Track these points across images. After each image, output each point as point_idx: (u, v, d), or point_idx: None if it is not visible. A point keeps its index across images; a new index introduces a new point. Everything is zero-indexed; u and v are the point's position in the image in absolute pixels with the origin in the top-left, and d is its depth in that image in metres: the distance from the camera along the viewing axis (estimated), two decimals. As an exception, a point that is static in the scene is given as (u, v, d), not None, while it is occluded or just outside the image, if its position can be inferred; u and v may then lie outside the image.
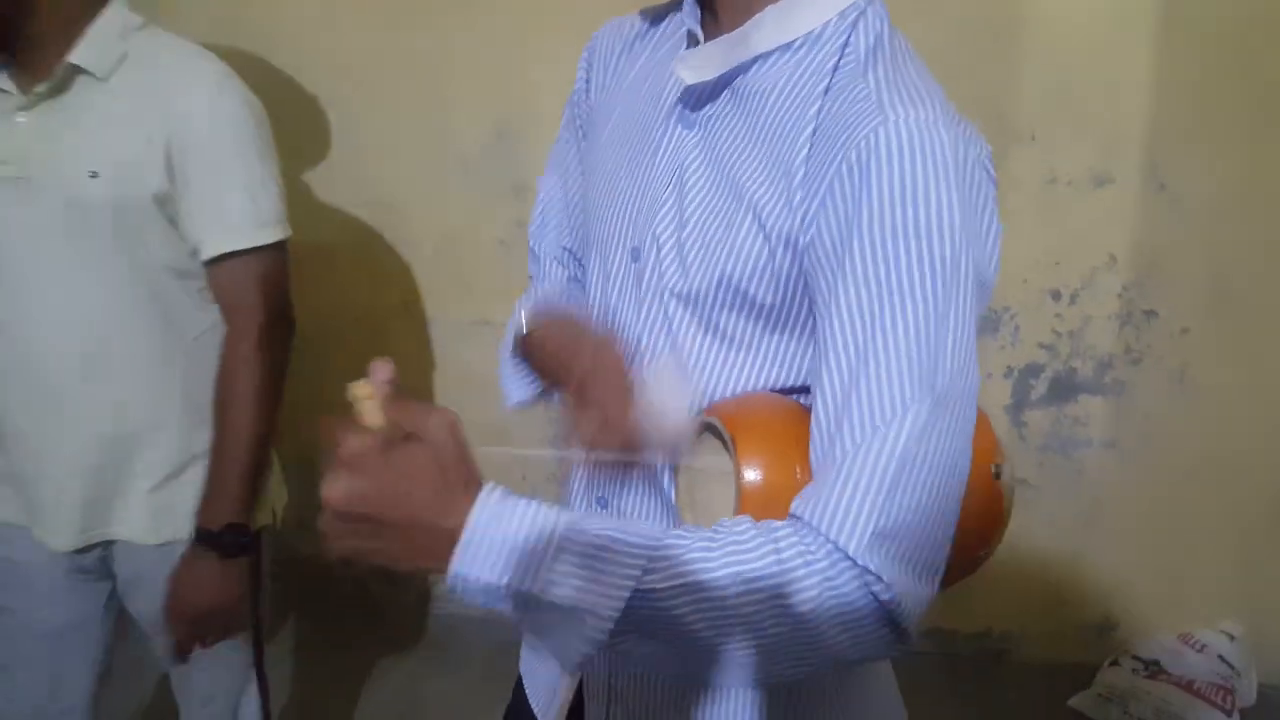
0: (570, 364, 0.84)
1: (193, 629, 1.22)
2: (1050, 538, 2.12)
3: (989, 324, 2.01)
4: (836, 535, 0.64)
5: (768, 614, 0.63)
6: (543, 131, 2.01)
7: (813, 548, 0.64)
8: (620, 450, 0.79)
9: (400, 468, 0.60)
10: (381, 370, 0.61)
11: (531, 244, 1.05)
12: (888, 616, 0.65)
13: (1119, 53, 1.82)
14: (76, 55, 1.11)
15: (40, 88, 1.12)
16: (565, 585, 0.61)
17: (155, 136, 1.14)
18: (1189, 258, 1.93)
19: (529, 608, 0.62)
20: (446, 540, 0.60)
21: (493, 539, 0.61)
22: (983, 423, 0.76)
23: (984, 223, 0.70)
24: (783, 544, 0.64)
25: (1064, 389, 2.05)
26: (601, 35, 0.94)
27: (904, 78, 0.71)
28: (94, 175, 1.12)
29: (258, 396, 1.21)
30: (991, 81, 1.86)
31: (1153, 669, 2.06)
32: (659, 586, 0.62)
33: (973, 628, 2.24)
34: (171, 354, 1.23)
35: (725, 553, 0.64)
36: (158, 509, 1.25)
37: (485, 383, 2.00)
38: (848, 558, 0.64)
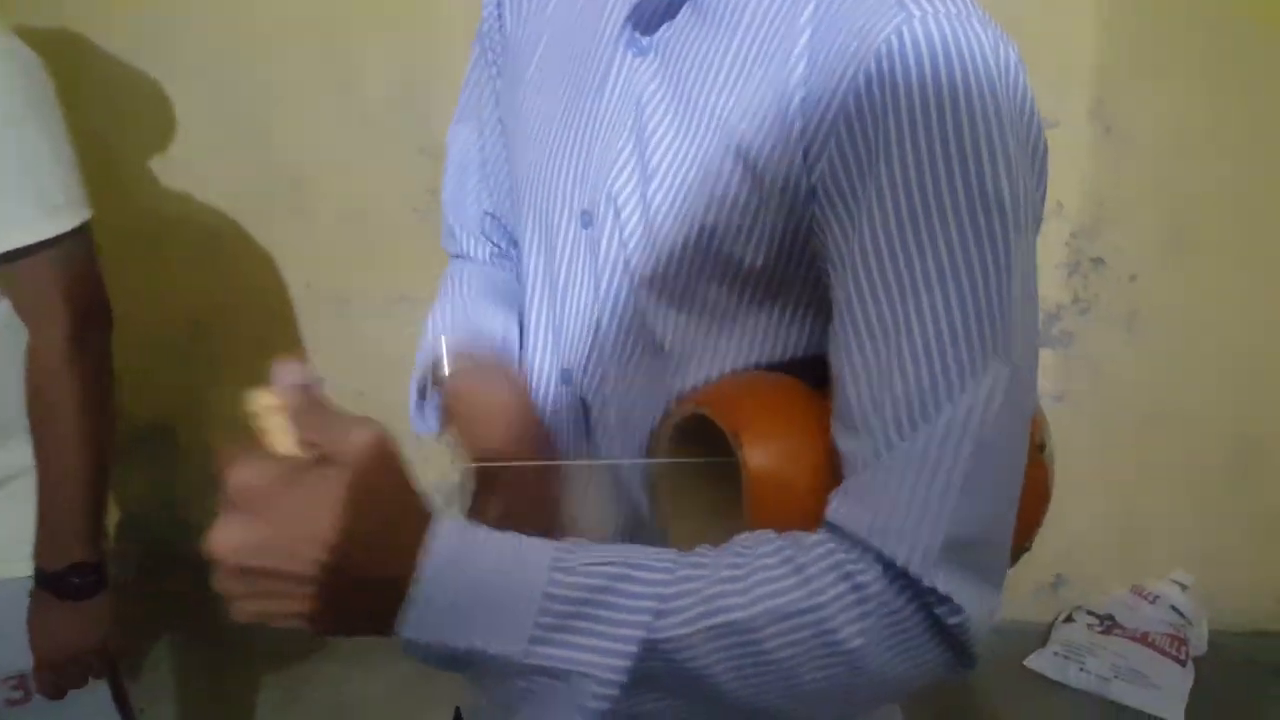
0: (480, 440, 0.70)
1: (57, 678, 1.10)
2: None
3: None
4: (894, 550, 0.51)
5: (812, 656, 0.51)
6: (452, 86, 1.87)
7: (863, 568, 0.52)
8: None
9: (310, 502, 0.45)
10: (289, 372, 0.47)
11: (446, 214, 0.88)
12: (953, 641, 0.53)
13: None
14: None
15: None
16: (555, 644, 0.48)
17: None
18: (1138, 202, 1.90)
19: (509, 675, 0.49)
20: (388, 596, 0.47)
21: (454, 591, 0.48)
22: None
23: (1033, 139, 0.56)
24: (825, 565, 0.52)
25: (1011, 342, 2.00)
26: None
27: None
28: None
29: (79, 415, 1.05)
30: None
31: (1107, 623, 2.06)
32: (677, 634, 0.50)
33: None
34: None
35: (755, 583, 0.51)
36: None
37: (402, 367, 1.85)
38: (907, 576, 0.51)
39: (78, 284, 1.06)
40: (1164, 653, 1.97)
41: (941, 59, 0.52)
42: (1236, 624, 2.11)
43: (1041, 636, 2.07)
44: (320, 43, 1.90)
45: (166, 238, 2.02)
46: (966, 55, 0.52)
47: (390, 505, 0.48)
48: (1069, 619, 2.08)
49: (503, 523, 0.55)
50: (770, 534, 0.54)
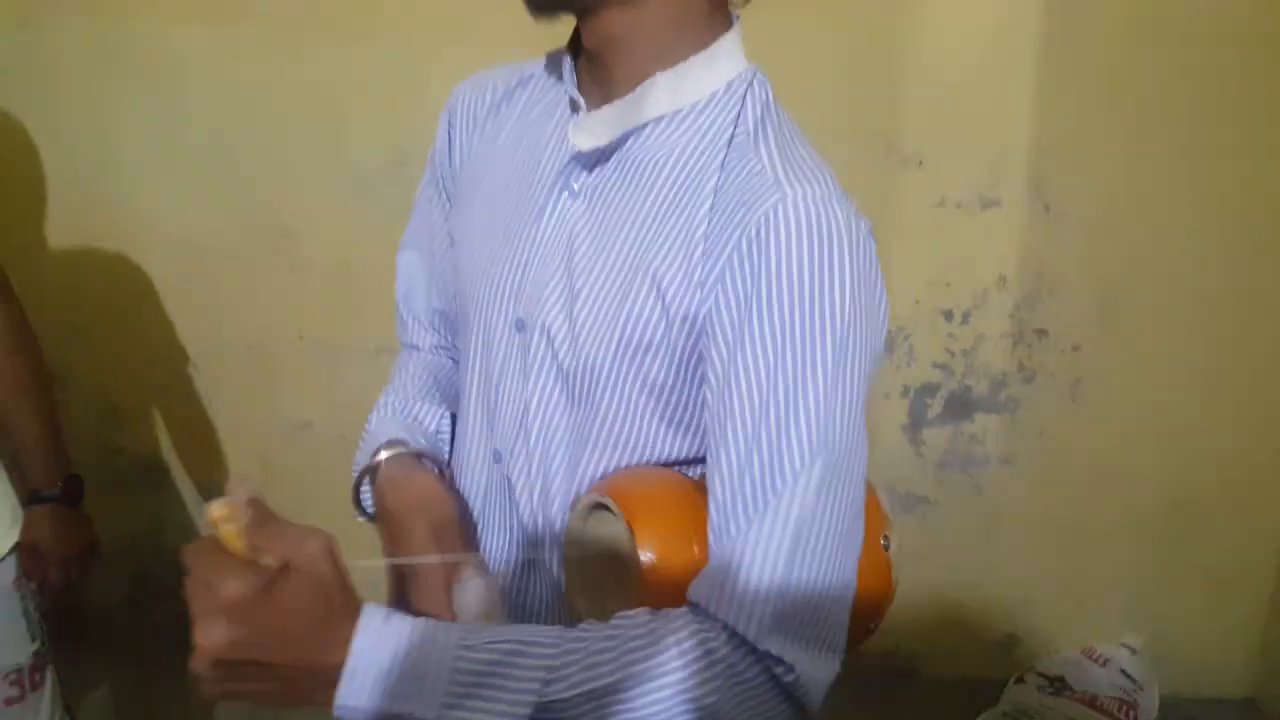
0: (401, 535, 0.80)
1: (66, 574, 1.41)
2: (952, 554, 2.13)
3: (884, 344, 2.02)
4: (735, 621, 0.63)
5: (675, 713, 0.62)
6: None
7: (712, 636, 0.63)
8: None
9: (280, 607, 0.56)
10: (242, 489, 0.58)
11: (399, 310, 1.03)
12: (792, 698, 0.65)
13: (1001, 76, 1.86)
14: None
15: None
16: (462, 708, 0.59)
17: None
18: (1077, 276, 1.97)
19: None
20: (332, 673, 0.58)
21: (378, 665, 0.59)
22: (871, 495, 0.77)
23: (876, 294, 0.71)
24: (683, 635, 0.63)
25: (960, 407, 2.07)
26: (462, 92, 0.91)
27: (795, 153, 0.72)
28: None
29: (30, 375, 1.42)
30: (878, 107, 1.89)
31: (1057, 685, 2.06)
32: (564, 696, 0.61)
33: (881, 645, 2.23)
34: None
35: (625, 651, 0.63)
36: None
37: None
38: (747, 643, 0.63)
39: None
40: (1113, 717, 1.98)
41: (805, 231, 0.67)
42: (1187, 690, 2.14)
43: (994, 695, 2.09)
44: (317, 109, 2.00)
45: (166, 285, 2.12)
46: (825, 228, 0.67)
47: (336, 602, 0.59)
48: (1020, 680, 2.09)
49: (420, 608, 0.70)
50: (644, 611, 0.66)
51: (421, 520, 0.80)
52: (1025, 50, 1.85)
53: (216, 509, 0.57)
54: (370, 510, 0.89)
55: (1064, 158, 1.91)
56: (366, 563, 0.65)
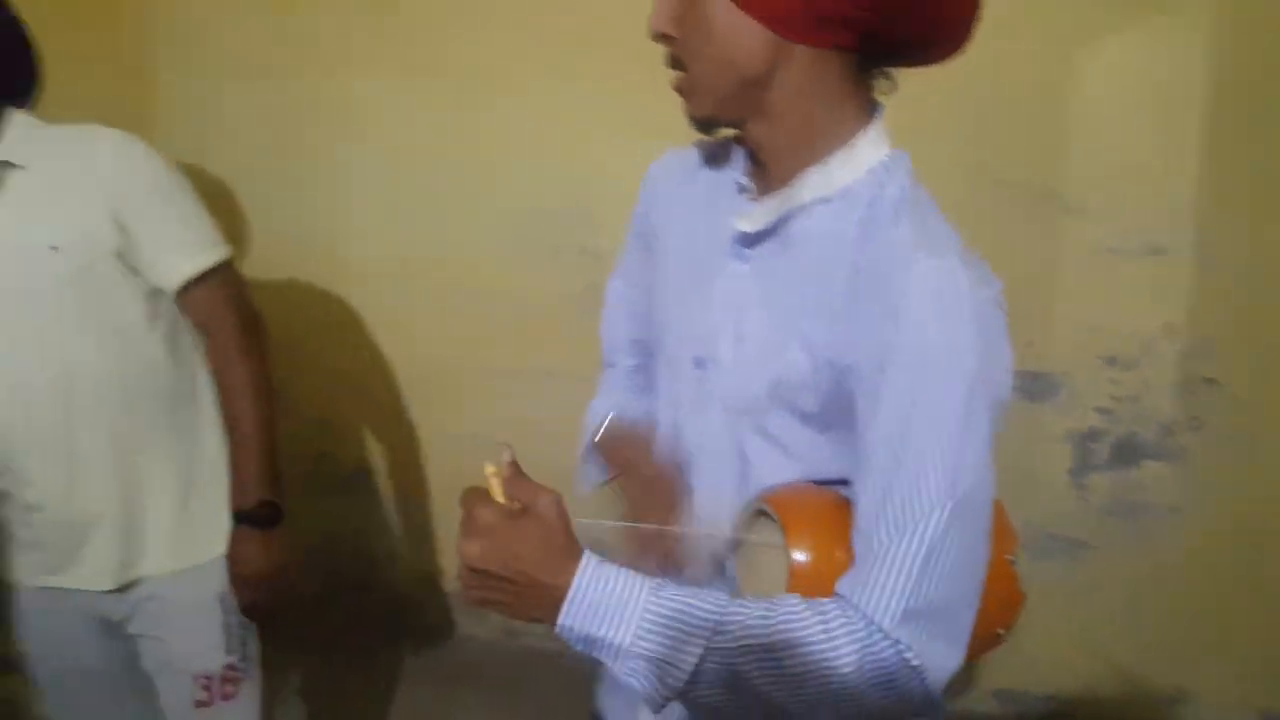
0: (631, 471, 0.99)
1: (254, 595, 1.39)
2: (1113, 601, 2.10)
3: (1046, 390, 2.03)
4: (873, 612, 0.76)
5: (817, 672, 0.76)
6: (614, 201, 2.14)
7: (854, 620, 0.77)
8: (670, 554, 0.94)
9: (521, 536, 0.76)
10: (505, 453, 0.79)
11: (604, 337, 1.21)
12: (917, 677, 0.76)
13: (1166, 124, 1.85)
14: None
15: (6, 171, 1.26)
16: (649, 640, 0.75)
17: (93, 200, 1.26)
18: (1247, 325, 1.92)
19: (619, 656, 0.76)
20: (555, 597, 0.76)
21: (592, 598, 0.76)
22: (1001, 516, 0.87)
23: (997, 350, 0.81)
24: (830, 616, 0.77)
25: (1126, 454, 2.05)
26: (657, 169, 1.08)
27: (928, 228, 0.82)
28: (54, 249, 1.25)
29: (254, 386, 1.38)
30: (1042, 155, 1.91)
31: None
32: (725, 646, 0.76)
33: (1042, 689, 2.23)
34: (158, 396, 1.36)
35: (780, 621, 0.77)
36: (174, 539, 1.38)
37: (548, 431, 2.15)
38: (881, 630, 0.76)
39: (238, 297, 1.40)
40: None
41: (932, 298, 0.78)
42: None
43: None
44: (504, 155, 2.20)
45: (374, 311, 2.40)
46: (950, 295, 0.78)
47: (561, 542, 0.77)
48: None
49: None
50: (797, 595, 0.80)
51: (646, 448, 1.00)
52: (1191, 98, 1.83)
53: (489, 466, 0.79)
54: (598, 474, 1.11)
55: (1233, 207, 1.87)
56: (587, 520, 0.83)
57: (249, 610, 1.41)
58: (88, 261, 1.27)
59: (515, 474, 0.79)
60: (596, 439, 1.07)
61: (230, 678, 1.43)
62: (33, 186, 1.27)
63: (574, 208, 2.20)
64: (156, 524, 1.37)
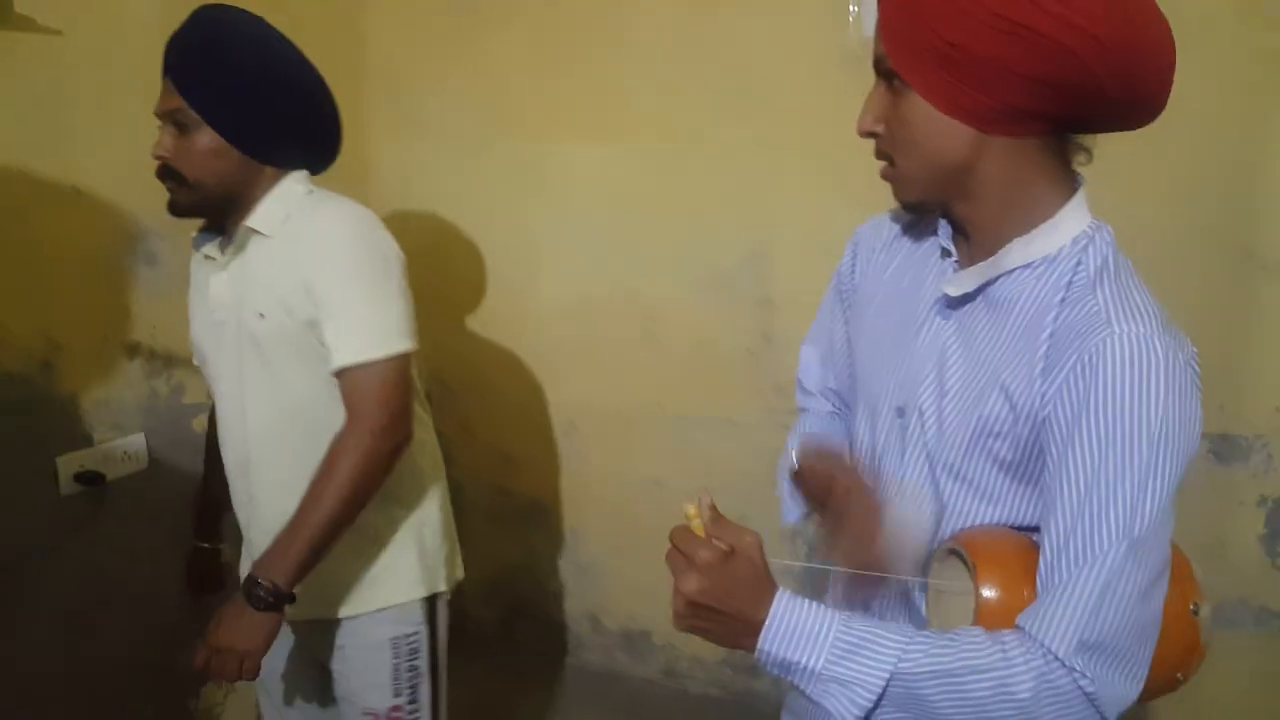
0: (830, 493, 1.06)
1: (215, 659, 1.33)
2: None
3: (1237, 453, 1.96)
4: (1050, 641, 0.82)
5: (996, 698, 0.82)
6: (790, 255, 2.24)
7: (1033, 650, 0.83)
8: (868, 566, 0.99)
9: (731, 574, 0.86)
10: (705, 499, 0.89)
11: (801, 379, 1.29)
12: (1093, 706, 0.82)
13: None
14: (253, 220, 1.41)
15: (230, 249, 1.43)
16: (840, 665, 0.84)
17: (299, 274, 1.37)
18: None
19: (812, 679, 0.85)
20: (755, 627, 0.86)
21: (788, 627, 0.86)
22: (1184, 567, 0.93)
23: (1189, 411, 0.85)
24: (1009, 646, 0.84)
25: (1323, 522, 1.94)
26: (864, 230, 1.16)
27: (1128, 296, 0.88)
28: (261, 316, 1.39)
29: (350, 485, 1.34)
30: (1238, 216, 1.87)
31: None
32: (911, 671, 0.83)
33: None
34: None
35: (962, 650, 0.84)
36: (360, 584, 1.50)
37: (728, 475, 2.23)
38: (1058, 659, 0.82)
39: (388, 397, 1.36)
40: None
41: (1128, 361, 0.84)
42: None
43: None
44: (684, 212, 2.32)
45: (555, 357, 2.56)
46: (1145, 360, 0.83)
47: (762, 579, 0.86)
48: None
49: (855, 549, 0.98)
50: (979, 629, 0.87)
51: (846, 470, 1.06)
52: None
53: (690, 508, 0.88)
54: (795, 517, 1.19)
55: None
56: (778, 561, 0.91)
57: (203, 669, 1.34)
58: (290, 326, 1.39)
59: (716, 516, 0.88)
60: (796, 463, 1.13)
61: (395, 713, 1.53)
62: (265, 253, 1.41)
63: (752, 261, 2.29)
64: (348, 567, 1.48)
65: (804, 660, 0.84)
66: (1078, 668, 0.81)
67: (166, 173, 1.41)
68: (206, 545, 1.83)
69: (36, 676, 1.86)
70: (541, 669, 2.68)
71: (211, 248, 1.48)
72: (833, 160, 2.09)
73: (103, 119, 1.88)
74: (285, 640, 1.57)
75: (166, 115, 1.39)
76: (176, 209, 1.44)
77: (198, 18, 1.41)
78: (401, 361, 1.39)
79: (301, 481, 1.36)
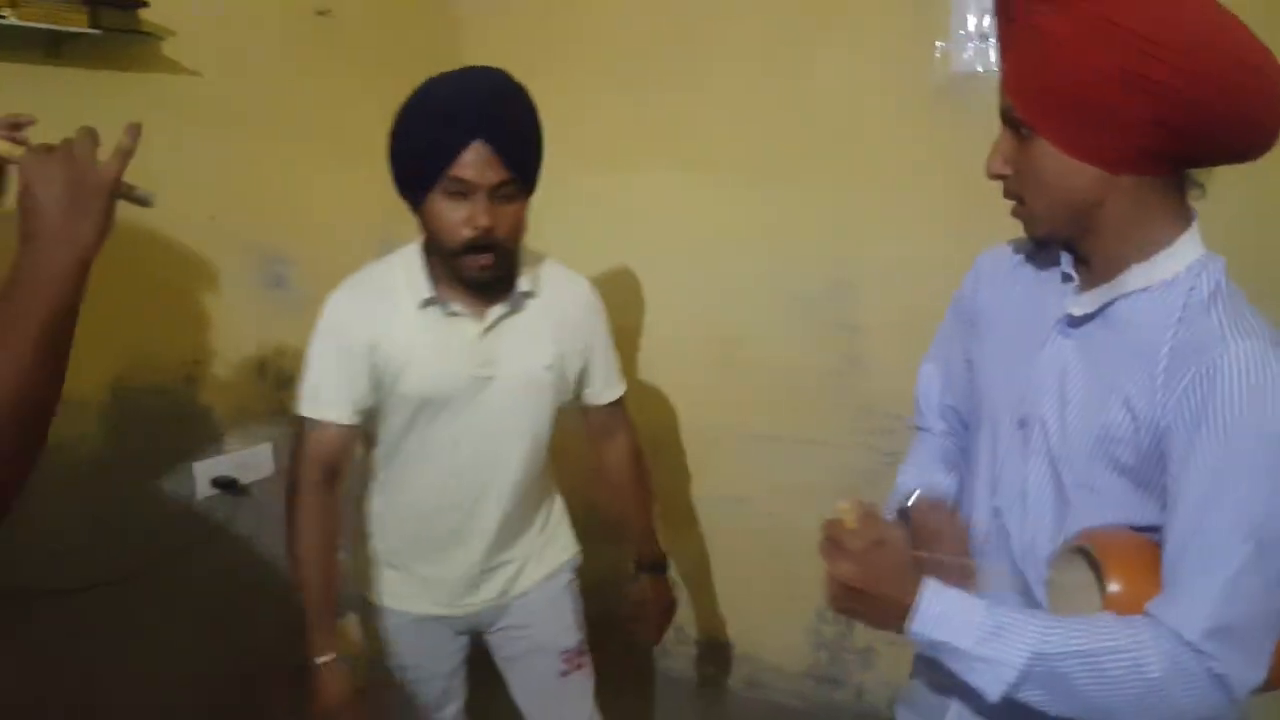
0: (933, 544, 1.16)
1: (654, 625, 1.91)
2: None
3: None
4: (1179, 627, 0.91)
5: (1130, 676, 0.91)
6: (873, 281, 2.32)
7: (1162, 634, 0.92)
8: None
9: (881, 562, 0.99)
10: (855, 500, 1.02)
11: (919, 398, 1.38)
12: (1222, 686, 0.91)
13: None
14: (522, 284, 1.58)
15: (501, 310, 1.57)
16: (986, 645, 0.95)
17: (576, 334, 1.67)
18: None
19: (961, 658, 0.96)
20: (903, 610, 0.98)
21: (938, 611, 0.97)
22: None
23: None
24: (1140, 630, 0.93)
25: None
26: (985, 258, 1.26)
27: (1241, 317, 0.96)
28: (548, 367, 1.62)
29: (643, 480, 1.91)
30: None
31: None
32: (1051, 651, 0.93)
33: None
34: (545, 451, 1.73)
35: (1098, 632, 0.94)
36: (539, 556, 1.77)
37: (810, 494, 2.30)
38: (1187, 643, 0.90)
39: (627, 416, 1.85)
40: None
41: (1243, 374, 0.92)
42: None
43: None
44: (769, 241, 2.43)
45: (660, 383, 2.66)
46: (1260, 373, 0.92)
47: (905, 565, 1.00)
48: None
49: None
50: (1110, 614, 0.96)
51: (950, 534, 1.18)
52: None
53: (843, 504, 1.02)
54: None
55: None
56: (921, 553, 1.03)
57: (653, 635, 1.91)
58: (563, 376, 1.66)
59: (866, 512, 1.01)
60: (909, 509, 1.24)
61: (581, 649, 1.82)
62: (539, 311, 1.63)
63: (837, 288, 2.38)
64: (530, 550, 1.76)
65: (953, 641, 0.95)
66: (1207, 651, 0.89)
67: (485, 244, 1.46)
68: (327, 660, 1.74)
69: (172, 666, 2.03)
70: (627, 675, 2.77)
71: (460, 306, 1.56)
72: (917, 191, 2.18)
73: (231, 154, 2.06)
74: (438, 634, 1.74)
75: (495, 189, 1.44)
76: (492, 271, 1.51)
77: (505, 89, 1.49)
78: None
79: (528, 500, 1.72)
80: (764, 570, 2.58)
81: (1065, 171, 0.98)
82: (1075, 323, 1.06)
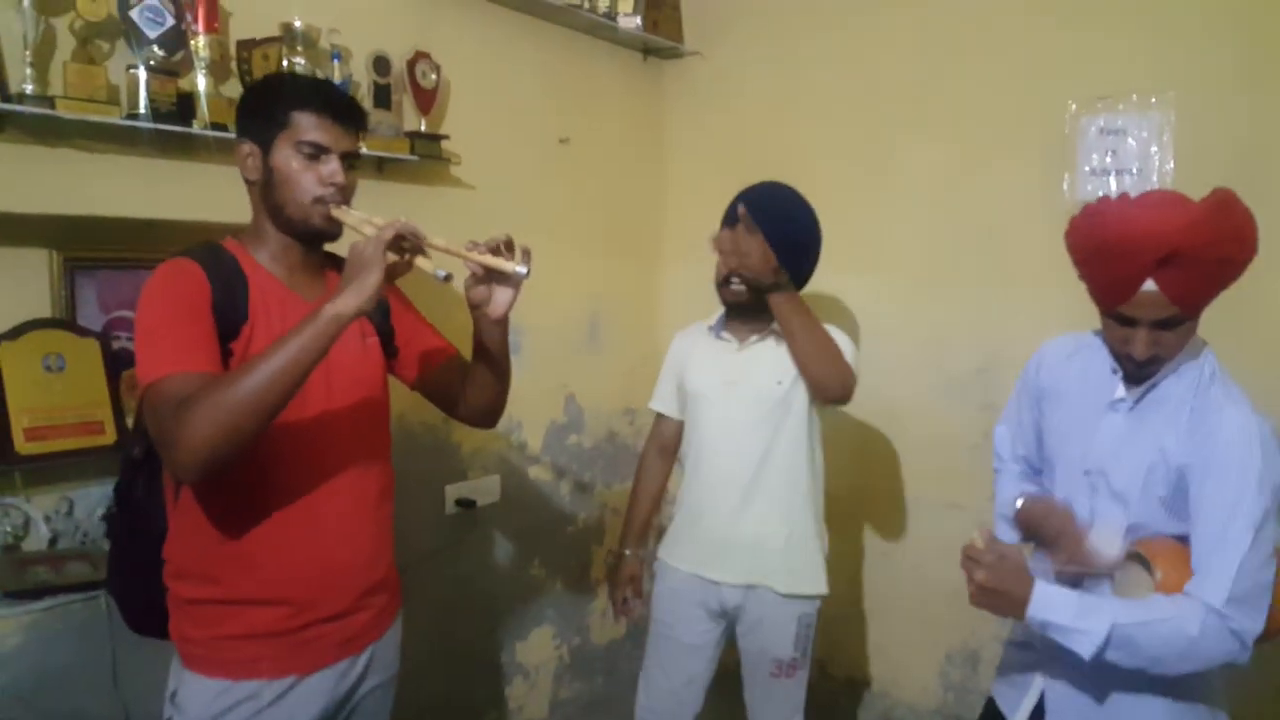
0: (1044, 527, 1.58)
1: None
2: None
3: None
4: (1209, 599, 1.32)
5: (1177, 636, 1.33)
6: (1010, 368, 2.63)
7: (1197, 605, 1.33)
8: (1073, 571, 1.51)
9: (1006, 568, 1.41)
10: (984, 529, 1.47)
11: (997, 449, 1.81)
12: (1237, 638, 1.32)
13: None
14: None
15: (754, 339, 2.14)
16: (1080, 620, 1.36)
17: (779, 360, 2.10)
18: None
19: (1066, 633, 1.37)
20: (1023, 602, 1.39)
21: (1047, 601, 1.39)
22: None
23: (1274, 461, 1.35)
24: (1181, 603, 1.34)
25: None
26: (1050, 347, 1.71)
27: (1231, 391, 1.41)
28: (779, 383, 2.07)
29: None
30: None
31: None
32: (1124, 621, 1.35)
33: None
34: (799, 472, 2.13)
35: (1154, 608, 1.35)
36: (788, 570, 2.09)
37: (951, 551, 2.63)
38: (1215, 610, 1.32)
39: None
40: None
41: (1234, 433, 1.36)
42: None
43: None
44: (926, 333, 2.81)
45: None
46: (1246, 433, 1.36)
47: (1023, 570, 1.44)
48: None
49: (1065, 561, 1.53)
50: (1161, 596, 1.36)
51: (1056, 511, 1.58)
52: None
53: (976, 532, 1.46)
54: (1016, 537, 1.69)
55: None
56: (1032, 562, 1.46)
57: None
58: (792, 389, 2.07)
59: (993, 538, 1.46)
60: (1020, 510, 1.64)
61: (793, 664, 2.13)
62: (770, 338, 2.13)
63: (980, 373, 2.74)
64: (772, 551, 2.10)
65: (1058, 620, 1.37)
66: (1227, 613, 1.29)
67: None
68: (629, 552, 2.35)
69: (413, 653, 2.54)
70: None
71: (727, 334, 2.21)
72: (1046, 291, 2.52)
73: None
74: (694, 599, 2.16)
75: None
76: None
77: (796, 204, 2.19)
78: None
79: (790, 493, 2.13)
80: (907, 615, 2.89)
81: (1187, 333, 1.42)
82: (1122, 404, 1.49)
